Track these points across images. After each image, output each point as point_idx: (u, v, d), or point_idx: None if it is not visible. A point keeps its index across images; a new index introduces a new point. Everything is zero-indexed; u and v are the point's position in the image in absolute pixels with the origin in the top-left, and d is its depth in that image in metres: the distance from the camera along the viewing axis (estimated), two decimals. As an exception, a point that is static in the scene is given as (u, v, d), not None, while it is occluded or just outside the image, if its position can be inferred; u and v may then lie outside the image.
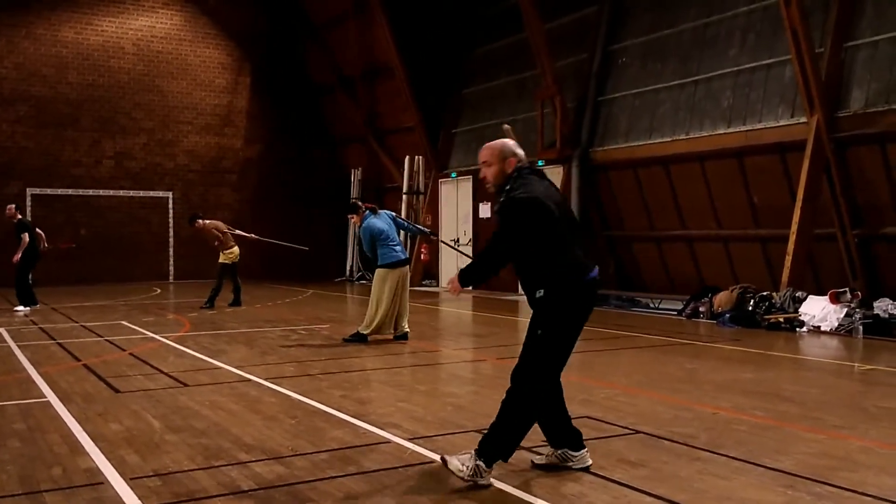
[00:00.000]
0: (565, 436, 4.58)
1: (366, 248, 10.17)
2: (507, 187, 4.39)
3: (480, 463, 4.24)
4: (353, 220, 10.48)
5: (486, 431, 4.39)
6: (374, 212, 10.21)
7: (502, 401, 4.36)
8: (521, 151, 4.51)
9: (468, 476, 4.22)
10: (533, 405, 4.37)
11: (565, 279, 4.32)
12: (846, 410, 6.18)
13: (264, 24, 23.85)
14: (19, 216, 14.61)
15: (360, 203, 10.52)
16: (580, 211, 16.28)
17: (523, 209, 4.28)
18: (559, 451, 4.59)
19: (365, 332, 9.89)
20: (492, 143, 4.55)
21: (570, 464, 4.57)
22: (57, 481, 4.38)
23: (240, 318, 13.05)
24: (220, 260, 14.72)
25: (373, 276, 10.25)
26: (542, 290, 4.32)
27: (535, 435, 5.31)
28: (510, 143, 4.54)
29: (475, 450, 4.29)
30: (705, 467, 4.61)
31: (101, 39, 21.57)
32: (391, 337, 10.05)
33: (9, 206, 14.65)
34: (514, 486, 4.27)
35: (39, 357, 8.78)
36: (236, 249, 14.82)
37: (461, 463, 4.25)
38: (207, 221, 14.99)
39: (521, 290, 4.41)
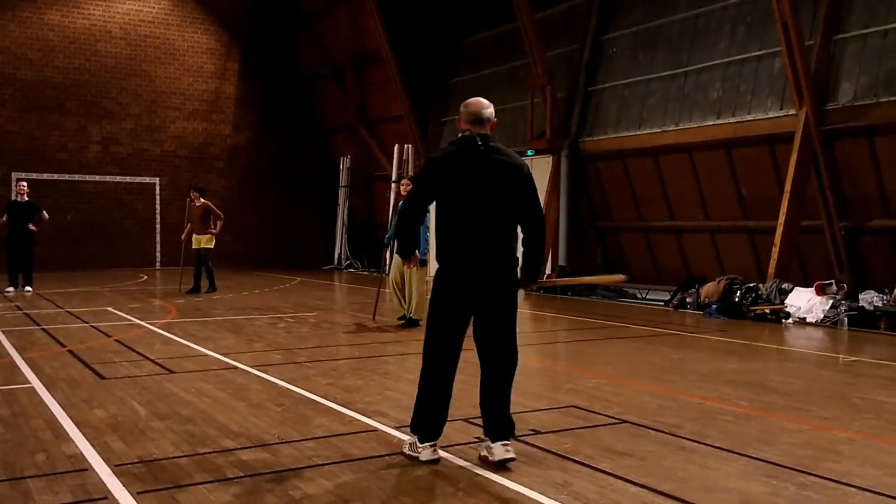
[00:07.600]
0: (486, 423, 4.53)
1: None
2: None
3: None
4: (404, 189, 10.35)
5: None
6: None
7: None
8: None
9: None
10: None
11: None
12: (830, 401, 6.23)
13: (253, 9, 23.66)
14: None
15: None
16: (569, 201, 16.31)
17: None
18: (485, 444, 4.50)
19: (417, 318, 10.20)
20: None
21: (490, 458, 4.39)
22: (41, 467, 4.36)
23: (227, 305, 13.00)
24: (205, 245, 14.64)
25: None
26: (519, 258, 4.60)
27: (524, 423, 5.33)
28: None
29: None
30: (690, 457, 4.63)
31: (88, 23, 21.35)
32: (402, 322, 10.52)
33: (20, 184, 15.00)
34: (498, 475, 4.26)
35: (24, 343, 8.72)
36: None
37: None
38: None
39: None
